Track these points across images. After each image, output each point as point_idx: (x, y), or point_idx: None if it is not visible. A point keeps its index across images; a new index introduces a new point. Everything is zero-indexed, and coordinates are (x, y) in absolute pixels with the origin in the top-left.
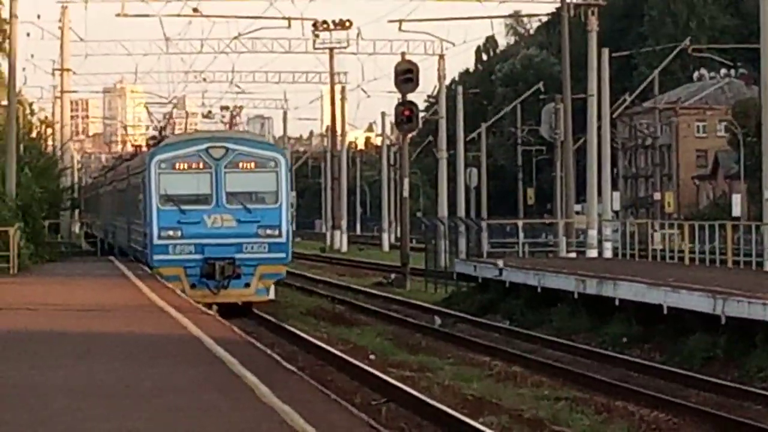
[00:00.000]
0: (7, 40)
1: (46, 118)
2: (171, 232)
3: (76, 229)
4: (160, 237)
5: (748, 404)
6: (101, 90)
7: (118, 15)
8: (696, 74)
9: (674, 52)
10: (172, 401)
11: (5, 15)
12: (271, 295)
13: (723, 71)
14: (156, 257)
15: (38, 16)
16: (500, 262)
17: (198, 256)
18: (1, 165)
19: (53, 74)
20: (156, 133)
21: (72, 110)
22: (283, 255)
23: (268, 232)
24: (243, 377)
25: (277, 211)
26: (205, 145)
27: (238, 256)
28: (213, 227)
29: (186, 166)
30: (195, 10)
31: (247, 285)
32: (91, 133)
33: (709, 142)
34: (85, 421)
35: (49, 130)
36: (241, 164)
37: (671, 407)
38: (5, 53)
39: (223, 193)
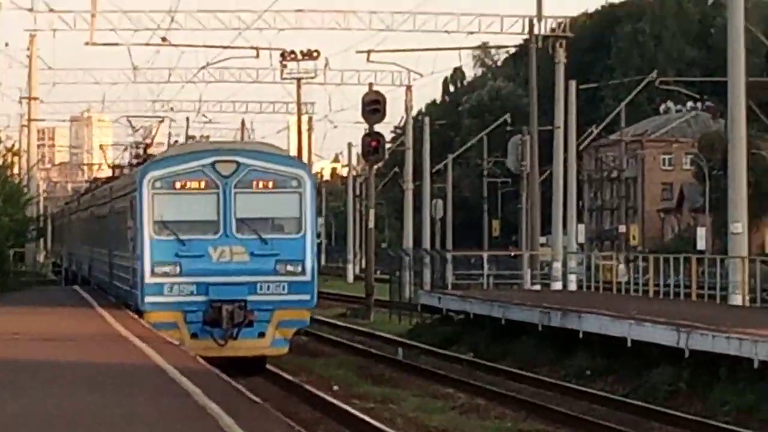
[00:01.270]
0: None
1: (13, 146)
2: (167, 268)
3: (41, 258)
4: (153, 274)
5: None
6: (68, 119)
7: (86, 44)
8: (662, 107)
9: (641, 85)
10: (139, 431)
11: None
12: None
13: (689, 104)
14: (148, 299)
15: (6, 44)
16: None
17: (201, 298)
18: None
19: (20, 102)
20: (140, 151)
21: (39, 139)
22: (307, 297)
23: (289, 268)
24: (207, 407)
25: (300, 241)
26: (210, 159)
27: (250, 298)
28: (220, 262)
29: (186, 186)
30: (163, 39)
31: (262, 335)
32: (57, 162)
33: (674, 175)
34: None
35: (15, 159)
36: (255, 183)
37: None
38: None
39: (233, 219)
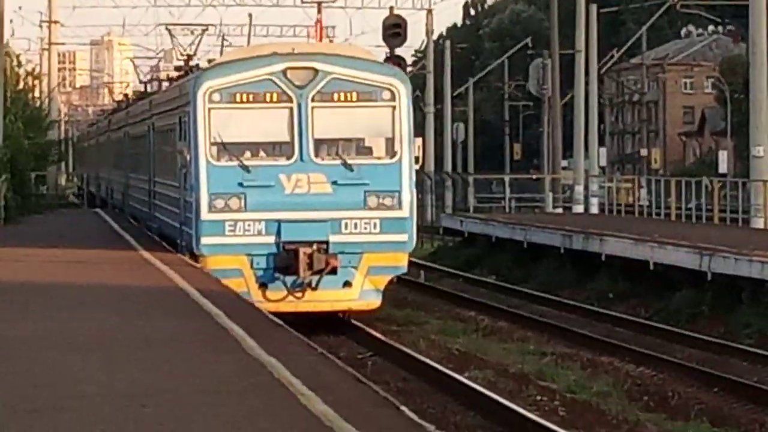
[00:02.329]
0: None
1: (34, 69)
2: (229, 202)
3: (63, 181)
4: (211, 209)
5: (734, 360)
6: (88, 42)
7: None
8: (684, 30)
9: (662, 8)
10: (160, 353)
11: None
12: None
13: (711, 28)
14: (205, 240)
15: None
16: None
17: (271, 239)
18: None
19: (41, 26)
20: (181, 63)
21: (59, 62)
22: (403, 237)
23: (381, 201)
24: (229, 330)
25: (395, 168)
26: (281, 65)
27: (333, 239)
28: (294, 193)
29: (252, 98)
30: None
31: (348, 284)
32: (77, 86)
33: (696, 98)
34: (75, 372)
35: (36, 82)
36: (337, 95)
37: (656, 363)
38: None
39: (310, 140)
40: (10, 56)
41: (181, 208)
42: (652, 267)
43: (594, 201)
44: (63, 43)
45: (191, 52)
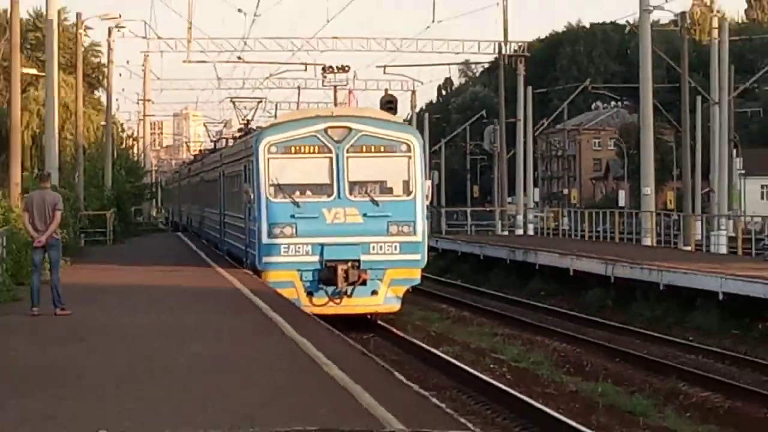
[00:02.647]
0: (105, 79)
1: (132, 133)
2: (283, 229)
3: (154, 213)
4: (270, 235)
5: (630, 339)
6: (172, 114)
7: (184, 61)
8: (593, 105)
9: (578, 90)
10: (222, 335)
11: (104, 61)
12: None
13: (613, 103)
14: (265, 259)
15: (127, 62)
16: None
17: (315, 258)
18: (101, 167)
19: (137, 103)
20: (242, 126)
21: (150, 129)
22: (417, 257)
23: (400, 229)
24: (273, 319)
25: (411, 203)
26: (323, 125)
27: (364, 258)
28: (334, 223)
29: (301, 150)
30: (239, 58)
31: (375, 293)
32: (164, 145)
33: (602, 153)
34: (162, 350)
35: (134, 143)
36: (366, 147)
37: (576, 341)
38: (104, 88)
39: (346, 182)
40: (117, 124)
41: (246, 235)
42: (571, 273)
43: (530, 226)
44: (153, 115)
45: (249, 118)
